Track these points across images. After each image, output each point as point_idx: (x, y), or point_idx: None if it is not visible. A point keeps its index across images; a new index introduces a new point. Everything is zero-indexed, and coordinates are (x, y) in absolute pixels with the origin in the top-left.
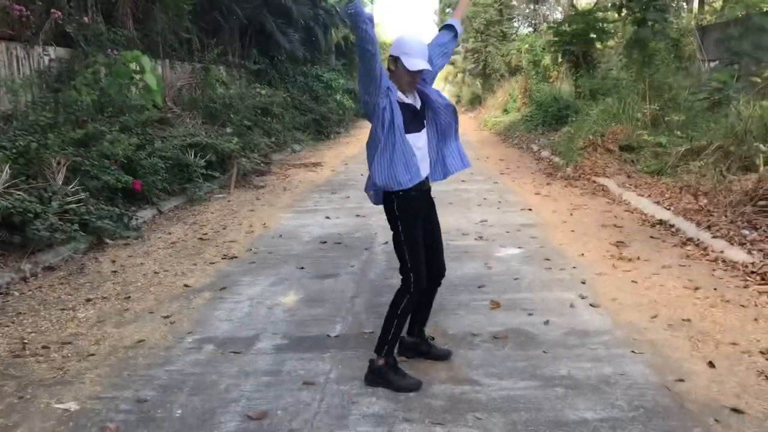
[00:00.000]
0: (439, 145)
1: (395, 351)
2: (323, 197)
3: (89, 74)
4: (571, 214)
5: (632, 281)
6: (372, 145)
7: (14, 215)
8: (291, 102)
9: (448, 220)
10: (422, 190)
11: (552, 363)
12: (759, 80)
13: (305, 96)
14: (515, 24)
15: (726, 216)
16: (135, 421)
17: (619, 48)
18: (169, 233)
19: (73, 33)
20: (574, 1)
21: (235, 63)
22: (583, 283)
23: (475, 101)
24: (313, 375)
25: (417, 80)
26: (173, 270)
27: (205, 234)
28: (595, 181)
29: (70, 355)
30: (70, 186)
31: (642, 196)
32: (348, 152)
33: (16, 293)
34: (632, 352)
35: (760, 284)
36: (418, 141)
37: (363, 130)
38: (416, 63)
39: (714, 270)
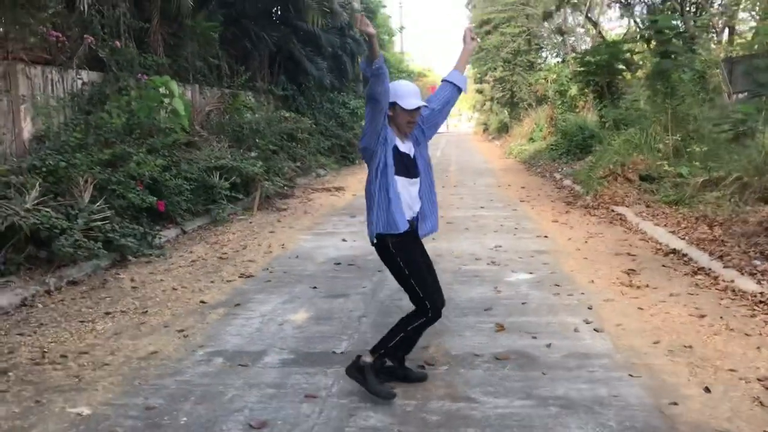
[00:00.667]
0: (428, 198)
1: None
2: (342, 220)
3: (120, 98)
4: (586, 242)
5: (638, 308)
6: (370, 193)
7: (41, 231)
8: (317, 128)
9: (462, 245)
10: (413, 229)
11: (549, 384)
12: None
13: (331, 122)
14: (543, 54)
15: (739, 246)
16: (142, 426)
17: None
18: (191, 252)
19: (106, 58)
20: (603, 32)
21: (264, 89)
22: (590, 308)
23: (502, 129)
24: (315, 389)
25: (415, 119)
26: (191, 287)
27: (225, 253)
28: (613, 210)
29: (86, 364)
30: (96, 204)
31: (658, 225)
32: None
33: (40, 305)
34: (630, 375)
35: (767, 314)
36: (412, 186)
37: None
38: (412, 102)
39: (722, 299)
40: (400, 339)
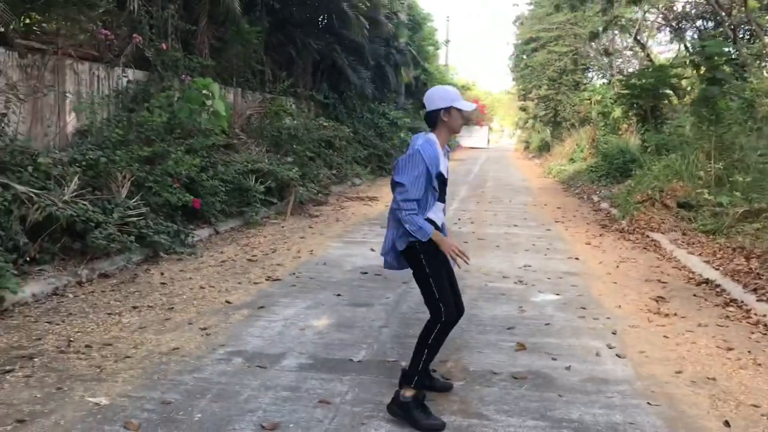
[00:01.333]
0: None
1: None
2: (372, 230)
3: (163, 98)
4: (618, 267)
5: (664, 336)
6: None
7: (77, 223)
8: (355, 137)
9: (491, 262)
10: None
11: (564, 406)
12: None
13: (370, 132)
14: (589, 74)
15: None
16: (157, 420)
17: (688, 105)
18: (221, 252)
19: (152, 57)
20: (652, 55)
21: (305, 95)
22: (614, 333)
23: (543, 148)
24: (330, 395)
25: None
26: (218, 287)
27: (255, 256)
28: (648, 236)
29: (109, 355)
30: (133, 200)
31: (692, 254)
32: None
33: (71, 295)
34: (648, 403)
35: None
36: (442, 206)
37: None
38: (468, 104)
39: (752, 333)
40: (427, 355)
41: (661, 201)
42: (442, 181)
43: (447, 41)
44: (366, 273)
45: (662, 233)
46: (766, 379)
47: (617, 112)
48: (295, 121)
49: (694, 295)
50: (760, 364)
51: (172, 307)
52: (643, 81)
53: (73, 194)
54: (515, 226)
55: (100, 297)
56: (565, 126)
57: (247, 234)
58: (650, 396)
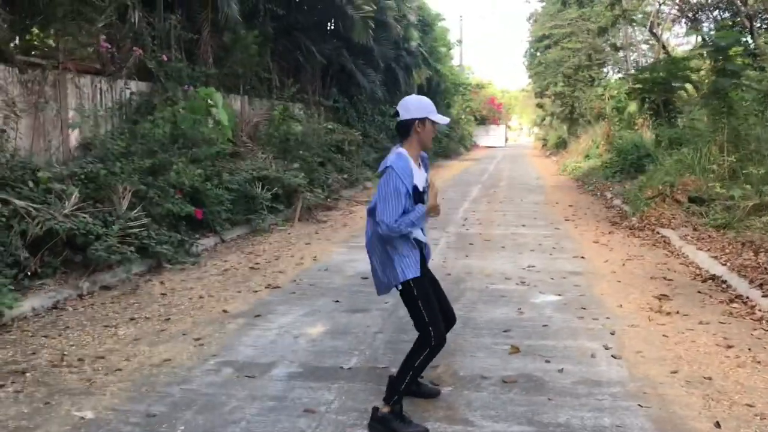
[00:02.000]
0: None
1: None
2: None
3: (167, 110)
4: (623, 265)
5: (663, 335)
6: (391, 245)
7: (78, 236)
8: (366, 140)
9: (495, 263)
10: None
11: (553, 410)
12: None
13: (382, 134)
14: (605, 70)
15: None
16: None
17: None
18: (225, 261)
19: (154, 69)
20: (668, 48)
21: (314, 101)
22: (612, 333)
23: (560, 145)
24: (316, 403)
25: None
26: (217, 296)
27: (257, 263)
28: (658, 232)
29: (100, 368)
30: (134, 211)
31: (701, 249)
32: None
33: (70, 308)
34: (639, 405)
35: None
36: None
37: (438, 170)
38: (443, 118)
39: (755, 329)
40: (411, 378)
41: (672, 196)
42: (417, 194)
43: (459, 41)
44: (366, 278)
45: (672, 229)
46: (764, 377)
47: (632, 106)
48: (300, 127)
49: (699, 292)
50: (759, 362)
51: (169, 318)
52: (654, 75)
53: (74, 207)
54: (523, 226)
55: (99, 309)
56: (582, 122)
57: (253, 242)
58: (642, 397)
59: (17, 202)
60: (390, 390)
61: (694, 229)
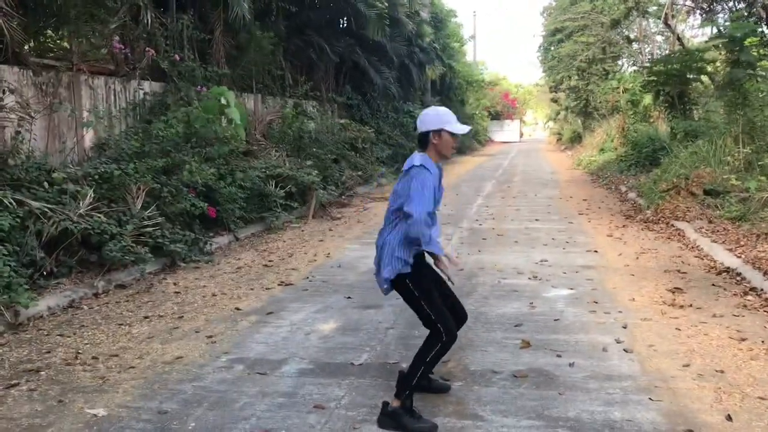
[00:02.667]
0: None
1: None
2: None
3: (181, 112)
4: (637, 258)
5: (676, 328)
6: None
7: (92, 236)
8: (380, 137)
9: (507, 258)
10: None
11: (563, 404)
12: None
13: (396, 131)
14: (619, 62)
15: None
16: (151, 429)
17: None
18: (238, 259)
19: (167, 69)
20: (683, 40)
21: (327, 98)
22: (624, 327)
23: (575, 139)
24: (325, 399)
25: (456, 144)
26: (230, 293)
27: (271, 261)
28: (673, 225)
29: (114, 366)
30: (148, 211)
31: (716, 242)
32: None
33: (86, 307)
34: (649, 399)
35: None
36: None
37: (452, 166)
38: (461, 127)
39: None
40: (422, 373)
41: (687, 188)
42: (436, 199)
43: (472, 36)
44: None
45: (687, 222)
46: None
47: (647, 99)
48: (313, 125)
49: (713, 285)
50: None
51: (182, 316)
52: (669, 67)
53: (88, 207)
54: (537, 220)
55: (113, 308)
56: (596, 116)
57: (267, 239)
58: (653, 391)
59: (33, 203)
60: (400, 385)
61: (709, 222)
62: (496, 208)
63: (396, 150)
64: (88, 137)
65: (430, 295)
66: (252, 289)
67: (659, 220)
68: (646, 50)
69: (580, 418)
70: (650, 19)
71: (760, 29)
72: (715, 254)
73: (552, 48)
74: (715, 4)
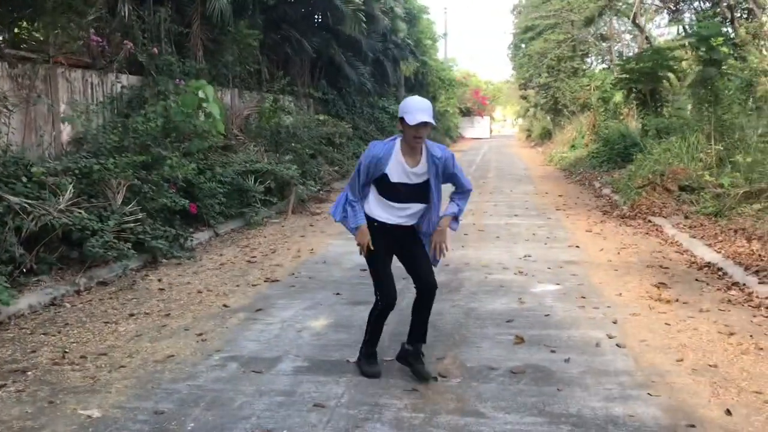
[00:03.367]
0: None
1: (368, 347)
2: None
3: (159, 104)
4: (619, 253)
5: (665, 323)
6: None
7: (73, 232)
8: (356, 132)
9: (491, 253)
10: (384, 227)
11: (563, 400)
12: None
13: (371, 126)
14: (588, 60)
15: None
16: (148, 430)
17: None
18: (221, 255)
19: (145, 62)
20: (650, 38)
21: (304, 93)
22: (615, 323)
23: (545, 136)
24: (325, 398)
25: (420, 134)
26: (216, 290)
27: (254, 257)
28: (650, 221)
29: (103, 365)
30: (129, 206)
31: (695, 237)
32: None
33: (68, 305)
34: (648, 394)
35: None
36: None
37: None
38: (415, 117)
39: (755, 316)
40: (369, 334)
41: (662, 185)
42: (384, 181)
43: (445, 34)
44: (365, 270)
45: (664, 217)
46: None
47: (618, 96)
48: (292, 119)
49: (696, 280)
50: (761, 349)
51: (169, 314)
52: (641, 64)
53: (69, 203)
54: (516, 216)
55: (97, 306)
56: (566, 113)
57: (248, 235)
58: (650, 386)
59: (11, 198)
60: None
61: (686, 217)
62: (474, 204)
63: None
64: (66, 131)
65: (369, 262)
66: (238, 286)
67: (636, 215)
68: (615, 48)
69: (582, 414)
70: (618, 18)
71: (725, 29)
72: (694, 249)
73: (523, 45)
74: (681, 3)
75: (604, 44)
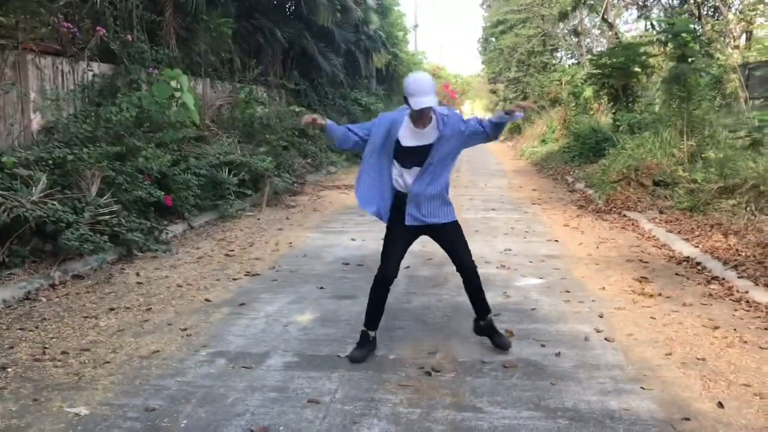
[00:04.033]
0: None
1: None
2: (351, 219)
3: (136, 97)
4: (598, 248)
5: (651, 317)
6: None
7: (47, 224)
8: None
9: (472, 247)
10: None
11: (558, 395)
12: None
13: (344, 118)
14: (558, 55)
15: (754, 256)
16: (141, 428)
17: (659, 82)
18: (197, 248)
19: (117, 50)
20: (619, 34)
21: (276, 83)
22: (601, 316)
23: (515, 130)
24: (318, 393)
25: (425, 116)
26: (196, 284)
27: (232, 250)
28: (626, 215)
29: (87, 361)
30: (104, 198)
31: (671, 232)
32: None
33: (44, 299)
34: (641, 388)
35: None
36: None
37: None
38: (419, 102)
39: (736, 310)
40: (368, 302)
41: (636, 180)
42: (399, 147)
43: (416, 26)
44: (348, 264)
45: (639, 212)
46: (754, 357)
47: (588, 91)
48: (267, 110)
49: (677, 274)
50: (746, 342)
51: (150, 308)
52: (614, 60)
53: (42, 194)
54: (492, 210)
55: (74, 300)
56: (536, 108)
57: (223, 228)
58: (643, 380)
59: None
60: None
61: (661, 212)
62: (450, 197)
63: None
64: (36, 120)
65: (386, 241)
66: (218, 280)
67: (611, 210)
68: (585, 43)
69: (578, 408)
70: (588, 14)
71: (693, 25)
72: (672, 244)
73: (493, 39)
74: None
75: (574, 39)
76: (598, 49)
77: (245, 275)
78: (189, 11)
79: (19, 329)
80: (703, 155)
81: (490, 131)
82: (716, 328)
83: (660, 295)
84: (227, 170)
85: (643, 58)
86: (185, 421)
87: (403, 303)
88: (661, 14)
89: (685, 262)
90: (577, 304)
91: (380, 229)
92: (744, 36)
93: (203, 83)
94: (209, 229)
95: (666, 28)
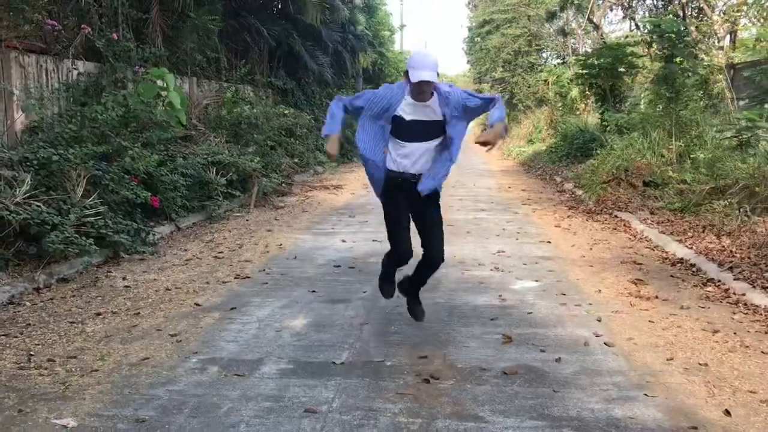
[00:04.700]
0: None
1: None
2: (341, 220)
3: (121, 96)
4: (591, 249)
5: (649, 321)
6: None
7: (32, 226)
8: (316, 124)
9: (464, 249)
10: (403, 179)
11: (561, 402)
12: None
13: None
14: (544, 55)
15: (749, 258)
16: None
17: (647, 83)
18: (185, 250)
19: (103, 48)
20: (604, 35)
21: (263, 83)
22: (599, 320)
23: None
24: (315, 403)
25: (423, 89)
26: (185, 288)
27: (221, 252)
28: (617, 216)
29: (74, 369)
30: (89, 199)
31: (664, 233)
32: None
33: (28, 303)
34: (645, 395)
35: None
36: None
37: None
38: (418, 75)
39: (734, 313)
40: (383, 264)
41: (626, 180)
42: (397, 121)
43: (402, 26)
44: (339, 266)
45: (630, 213)
46: (757, 362)
47: (575, 92)
48: (255, 110)
49: (672, 276)
50: (748, 346)
51: (138, 312)
52: (602, 60)
53: (26, 195)
54: (483, 210)
55: (60, 304)
56: (521, 108)
57: (211, 229)
58: (646, 387)
59: None
60: None
61: (651, 213)
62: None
63: None
64: (20, 120)
65: (386, 218)
66: (207, 283)
67: (602, 210)
68: (570, 43)
69: (583, 417)
70: (574, 14)
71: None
72: (665, 245)
73: (479, 39)
74: (634, 0)
75: (561, 39)
76: (584, 49)
77: (235, 278)
78: (175, 9)
79: (3, 335)
80: (691, 156)
81: (498, 110)
82: (716, 331)
83: (657, 297)
84: (215, 170)
85: (630, 58)
86: None
87: (399, 307)
88: (647, 15)
89: (679, 264)
90: (574, 308)
91: (371, 230)
92: (728, 37)
93: (189, 82)
94: (197, 231)
95: (653, 29)
